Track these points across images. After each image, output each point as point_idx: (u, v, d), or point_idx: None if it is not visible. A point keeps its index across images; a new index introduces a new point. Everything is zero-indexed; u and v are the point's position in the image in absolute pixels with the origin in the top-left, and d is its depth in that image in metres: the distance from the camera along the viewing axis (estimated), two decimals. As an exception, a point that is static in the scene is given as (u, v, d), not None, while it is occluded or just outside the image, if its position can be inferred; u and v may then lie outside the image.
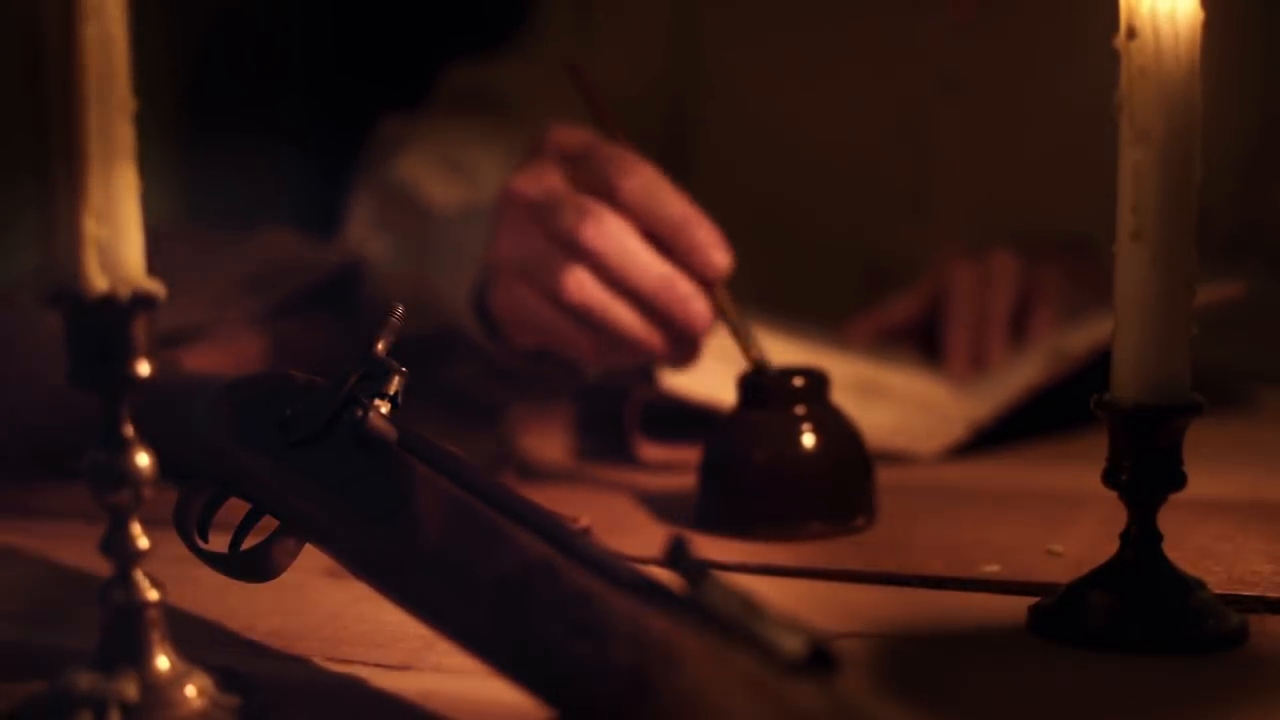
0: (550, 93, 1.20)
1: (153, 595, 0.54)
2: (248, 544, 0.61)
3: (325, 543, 0.58)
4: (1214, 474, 0.72)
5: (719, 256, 0.85)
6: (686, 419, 0.93)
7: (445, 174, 1.17)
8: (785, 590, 0.72)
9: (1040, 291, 1.12)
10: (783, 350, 0.98)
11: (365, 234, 1.18)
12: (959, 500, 0.87)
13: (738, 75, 1.36)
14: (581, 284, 0.84)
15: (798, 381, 0.82)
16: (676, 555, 0.46)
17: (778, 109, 1.34)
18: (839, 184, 1.31)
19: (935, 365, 1.12)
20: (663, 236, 0.85)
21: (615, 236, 0.84)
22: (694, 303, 0.84)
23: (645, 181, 0.85)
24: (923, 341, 1.15)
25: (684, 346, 0.87)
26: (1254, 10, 1.24)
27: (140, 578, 0.54)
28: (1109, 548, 0.65)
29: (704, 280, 0.84)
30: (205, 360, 0.91)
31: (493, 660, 0.51)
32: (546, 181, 0.87)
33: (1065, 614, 0.64)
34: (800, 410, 0.81)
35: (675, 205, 0.85)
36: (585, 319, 0.85)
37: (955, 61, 1.31)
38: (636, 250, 0.84)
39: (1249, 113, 1.26)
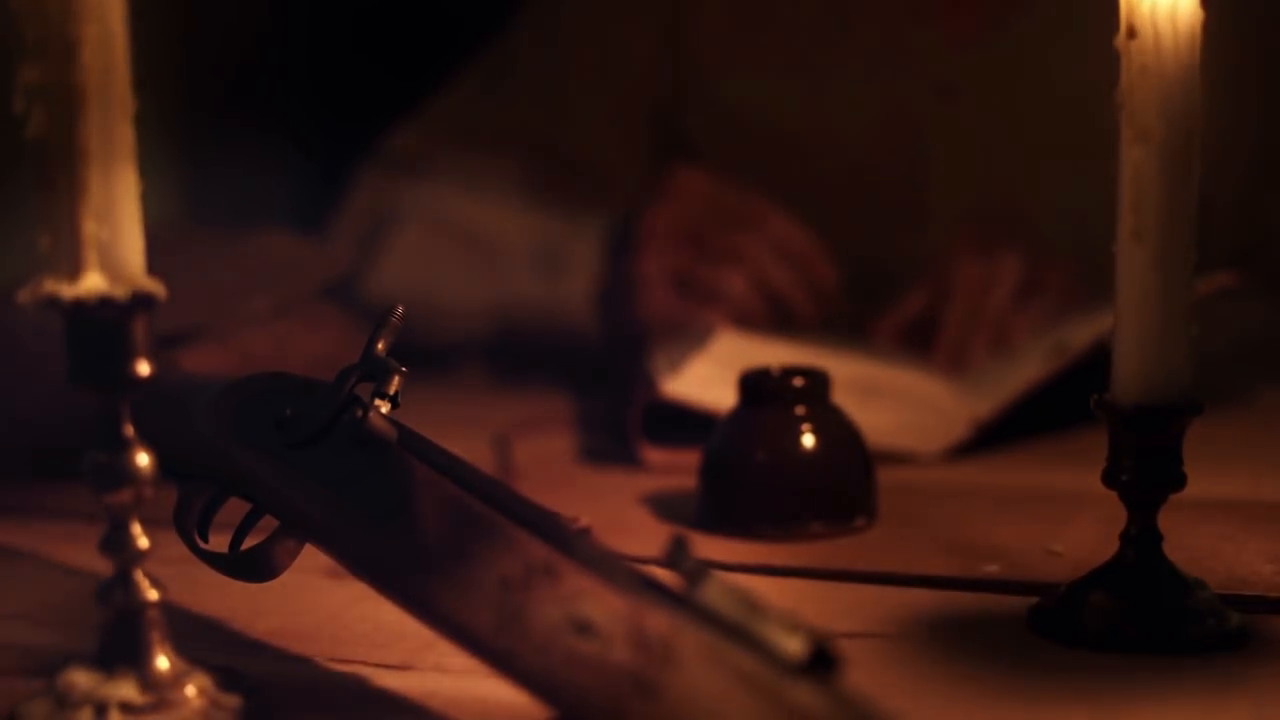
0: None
1: (153, 595, 0.54)
2: (248, 544, 0.61)
3: (325, 543, 0.58)
4: (1214, 474, 0.72)
5: (827, 275, 1.19)
6: (689, 421, 0.93)
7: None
8: (785, 590, 0.72)
9: (1036, 292, 1.12)
10: (783, 350, 0.98)
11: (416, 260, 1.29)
12: (959, 500, 0.87)
13: (731, 84, 1.36)
14: (737, 285, 1.14)
15: (798, 381, 0.82)
16: (676, 555, 0.46)
17: (772, 116, 1.34)
18: (834, 190, 1.31)
19: (932, 361, 1.12)
20: (785, 253, 1.17)
21: (761, 253, 1.16)
22: (804, 302, 1.17)
23: (774, 216, 1.18)
24: (926, 338, 1.15)
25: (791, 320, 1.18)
26: (1256, 28, 1.24)
27: (140, 578, 0.54)
28: (1109, 548, 0.65)
29: (813, 288, 1.18)
30: (205, 360, 0.91)
31: (493, 660, 0.51)
32: (681, 214, 1.17)
33: (1065, 614, 0.64)
34: (800, 410, 0.81)
35: (798, 236, 1.18)
36: (729, 306, 1.13)
37: (950, 69, 1.31)
38: (775, 263, 1.16)
39: (1251, 130, 1.26)
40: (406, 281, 1.27)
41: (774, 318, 1.16)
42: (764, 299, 1.16)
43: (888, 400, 0.99)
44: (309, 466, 0.58)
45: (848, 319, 1.20)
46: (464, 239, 1.28)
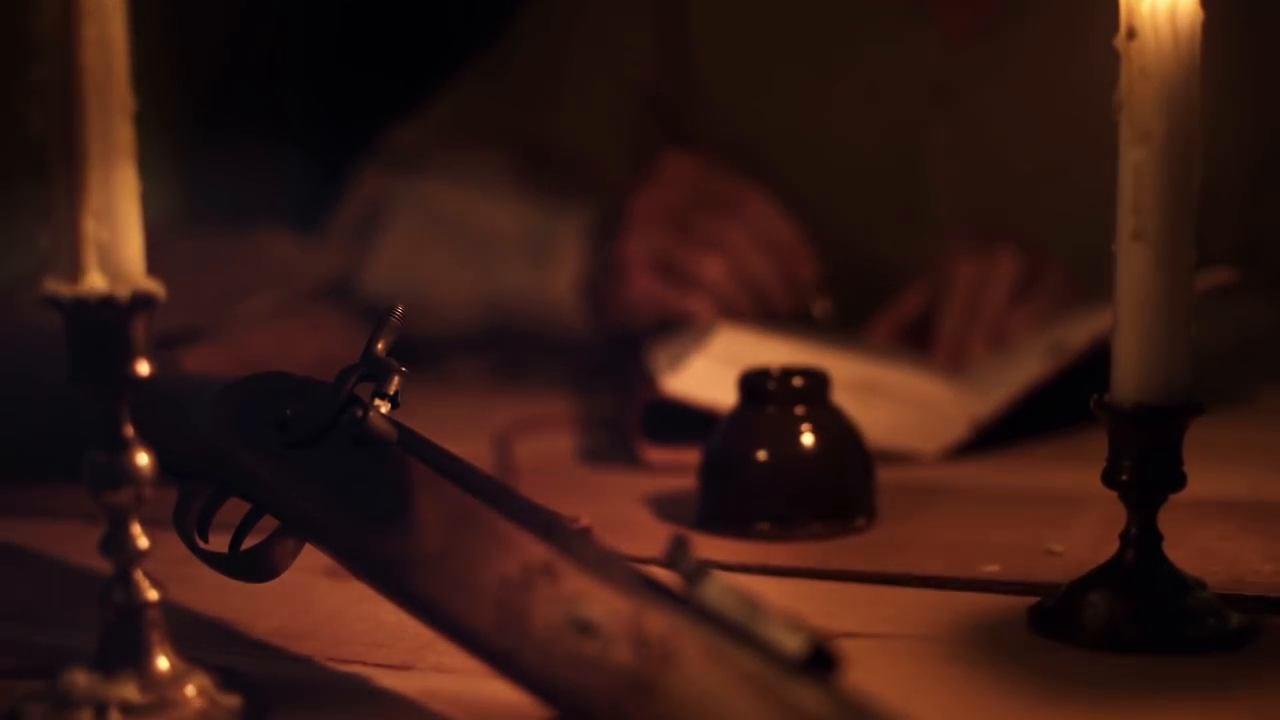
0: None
1: (153, 595, 0.54)
2: (248, 544, 0.61)
3: (325, 543, 0.57)
4: (1214, 474, 0.72)
5: (808, 269, 1.18)
6: (690, 419, 0.93)
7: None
8: (785, 590, 0.72)
9: (1032, 290, 1.12)
10: (783, 350, 0.98)
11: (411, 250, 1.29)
12: (959, 500, 0.87)
13: (728, 81, 1.36)
14: (715, 272, 1.13)
15: (798, 381, 0.82)
16: (676, 555, 0.46)
17: (769, 114, 1.34)
18: (832, 189, 1.31)
19: (930, 359, 1.12)
20: (767, 242, 1.15)
21: (742, 241, 1.14)
22: (779, 295, 1.16)
23: (759, 203, 1.17)
24: (924, 336, 1.15)
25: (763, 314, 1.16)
26: (1254, 30, 1.24)
27: (140, 578, 0.54)
28: (1109, 548, 0.65)
29: (792, 281, 1.17)
30: (205, 360, 0.91)
31: (493, 660, 0.51)
32: (668, 198, 1.17)
33: (1065, 614, 0.64)
34: (800, 410, 0.81)
35: (782, 226, 1.17)
36: (708, 293, 1.13)
37: (948, 73, 1.31)
38: (755, 252, 1.15)
39: (1250, 131, 1.26)
40: (399, 275, 1.26)
41: (752, 307, 1.15)
42: (742, 287, 1.15)
43: (887, 400, 0.99)
44: (309, 466, 0.58)
45: (833, 313, 1.20)
46: (456, 232, 1.28)
